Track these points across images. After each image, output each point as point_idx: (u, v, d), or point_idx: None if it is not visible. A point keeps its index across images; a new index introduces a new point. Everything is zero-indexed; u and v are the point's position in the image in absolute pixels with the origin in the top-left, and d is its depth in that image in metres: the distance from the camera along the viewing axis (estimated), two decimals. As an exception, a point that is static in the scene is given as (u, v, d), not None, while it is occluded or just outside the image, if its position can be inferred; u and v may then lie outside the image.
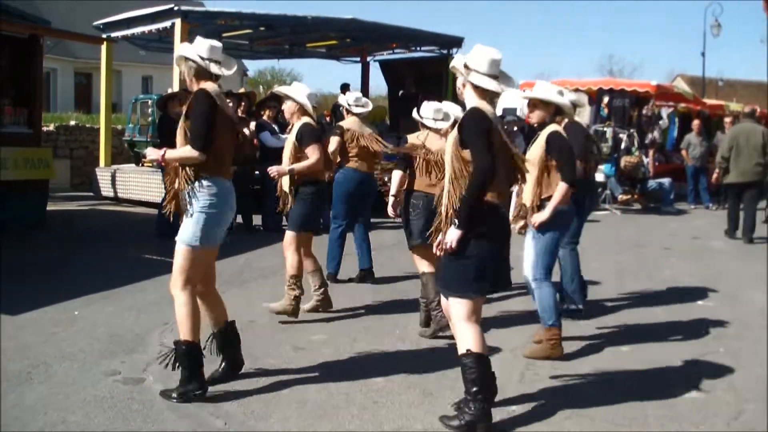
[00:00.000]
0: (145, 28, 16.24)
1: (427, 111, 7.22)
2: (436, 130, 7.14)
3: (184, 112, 5.47)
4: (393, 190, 7.43)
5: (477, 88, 4.96)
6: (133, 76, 42.87)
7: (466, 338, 4.84)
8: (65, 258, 10.42)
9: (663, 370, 6.14)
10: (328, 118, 15.24)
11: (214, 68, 5.45)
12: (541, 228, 6.38)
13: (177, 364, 5.30)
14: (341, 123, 9.26)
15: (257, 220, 12.99)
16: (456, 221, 4.76)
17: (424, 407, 5.21)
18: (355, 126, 9.09)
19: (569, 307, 7.62)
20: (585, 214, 7.92)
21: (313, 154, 7.39)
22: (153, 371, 5.79)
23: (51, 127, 19.80)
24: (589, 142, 8.00)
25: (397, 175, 7.35)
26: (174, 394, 5.22)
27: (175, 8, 15.04)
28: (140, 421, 4.86)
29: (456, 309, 4.93)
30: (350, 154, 9.01)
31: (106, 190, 17.09)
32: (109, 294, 8.24)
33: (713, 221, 16.39)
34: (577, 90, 19.64)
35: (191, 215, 5.36)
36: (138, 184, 16.05)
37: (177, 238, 5.44)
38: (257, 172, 12.50)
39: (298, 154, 7.46)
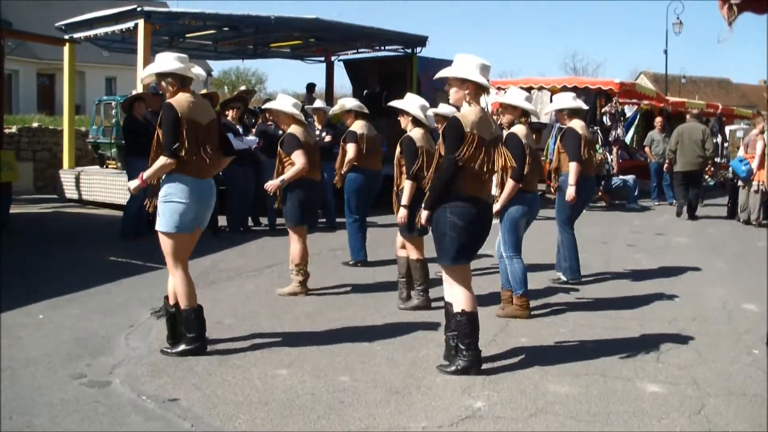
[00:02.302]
0: (108, 29, 16.06)
1: (414, 105, 8.14)
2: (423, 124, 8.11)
3: (158, 122, 6.18)
4: (405, 200, 7.83)
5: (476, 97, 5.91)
6: (96, 77, 42.67)
7: (460, 299, 5.86)
8: (29, 261, 10.33)
9: (625, 364, 6.20)
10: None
11: (192, 72, 6.33)
12: (498, 216, 7.52)
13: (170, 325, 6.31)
14: (354, 129, 10.09)
15: (222, 221, 12.95)
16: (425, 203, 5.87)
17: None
18: (365, 129, 10.12)
19: (561, 278, 9.36)
20: (582, 206, 9.47)
21: (298, 159, 8.27)
22: (119, 374, 5.77)
23: (13, 129, 19.60)
24: (584, 144, 9.12)
25: (409, 185, 7.84)
26: (174, 351, 6.21)
27: (138, 9, 14.93)
28: (107, 424, 4.84)
29: (452, 274, 5.91)
30: (363, 155, 9.98)
31: (71, 193, 16.98)
32: (74, 297, 8.20)
33: (676, 217, 16.60)
34: (541, 88, 19.85)
35: (161, 207, 6.16)
36: (102, 186, 15.96)
37: (156, 227, 6.23)
38: (220, 173, 12.45)
39: (285, 160, 8.39)
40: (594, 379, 5.83)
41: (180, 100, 6.16)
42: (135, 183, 6.24)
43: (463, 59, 5.90)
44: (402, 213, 7.81)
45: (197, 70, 6.54)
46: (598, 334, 7.17)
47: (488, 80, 5.90)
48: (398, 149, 8.06)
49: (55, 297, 8.12)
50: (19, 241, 12.06)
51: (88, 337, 6.75)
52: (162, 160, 6.04)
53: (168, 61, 6.29)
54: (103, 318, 7.38)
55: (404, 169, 7.89)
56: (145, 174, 6.14)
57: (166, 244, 6.19)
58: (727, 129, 25.66)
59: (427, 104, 8.41)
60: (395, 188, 8.05)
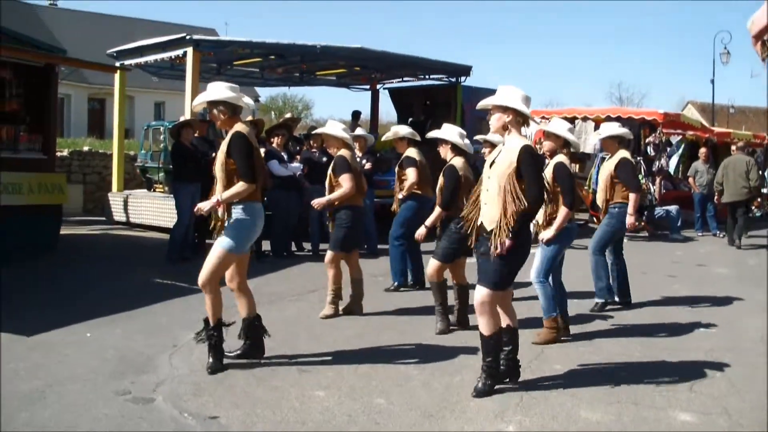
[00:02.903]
0: (158, 56, 16.41)
1: (453, 134, 8.45)
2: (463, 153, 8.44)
3: (225, 150, 6.54)
4: (430, 222, 8.35)
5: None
6: (145, 102, 43.38)
7: (489, 324, 6.06)
8: (77, 281, 10.61)
9: (658, 392, 6.26)
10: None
11: (239, 100, 6.64)
12: (547, 243, 7.76)
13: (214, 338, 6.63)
14: (411, 155, 10.26)
15: (266, 246, 13.15)
16: (511, 233, 5.88)
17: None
18: (420, 156, 10.28)
19: (615, 299, 9.70)
20: (618, 234, 9.63)
21: (345, 183, 8.58)
22: (162, 392, 5.96)
23: (65, 153, 20.05)
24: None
25: (438, 212, 8.25)
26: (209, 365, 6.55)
27: (188, 37, 15.25)
28: (149, 439, 5.03)
29: (491, 298, 6.05)
30: (422, 182, 10.22)
31: (119, 215, 17.33)
32: (119, 317, 8.42)
33: (719, 248, 16.56)
34: (585, 118, 19.91)
35: (232, 227, 6.55)
36: (150, 209, 16.29)
37: (216, 244, 6.59)
38: (265, 198, 12.66)
39: (334, 183, 8.70)
40: (626, 407, 5.89)
41: (244, 128, 6.57)
42: (208, 205, 6.58)
43: (506, 90, 6.16)
44: (421, 231, 8.41)
45: (247, 100, 6.81)
46: (631, 361, 7.22)
47: (529, 111, 6.11)
48: (441, 178, 8.23)
49: (101, 317, 8.35)
50: (67, 261, 12.38)
51: (132, 356, 6.95)
52: (242, 185, 6.43)
53: (220, 89, 6.63)
54: (147, 338, 7.59)
55: (441, 198, 8.12)
56: (224, 196, 6.48)
57: (220, 259, 6.52)
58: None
59: (464, 132, 8.60)
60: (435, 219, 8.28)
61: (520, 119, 6.09)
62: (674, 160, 21.19)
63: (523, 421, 5.53)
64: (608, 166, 9.48)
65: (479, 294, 6.05)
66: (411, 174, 10.11)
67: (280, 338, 7.67)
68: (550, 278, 7.91)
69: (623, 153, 9.41)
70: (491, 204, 6.01)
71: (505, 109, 6.06)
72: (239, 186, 6.44)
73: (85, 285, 10.35)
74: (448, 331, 8.15)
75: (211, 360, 6.57)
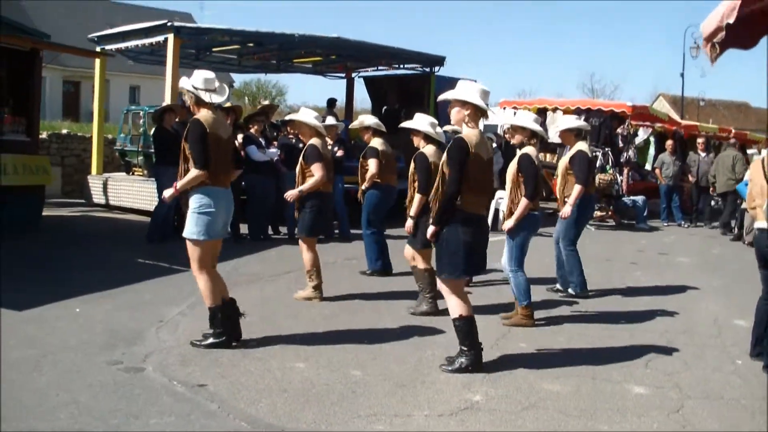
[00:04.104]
0: (139, 42, 16.64)
1: (425, 123, 8.74)
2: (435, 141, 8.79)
3: (183, 136, 6.83)
4: (413, 212, 8.58)
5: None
6: (120, 86, 43.41)
7: (457, 307, 6.41)
8: (62, 260, 10.95)
9: (615, 369, 6.73)
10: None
11: (206, 96, 6.84)
12: (510, 233, 8.15)
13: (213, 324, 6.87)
14: (374, 145, 10.61)
15: (243, 229, 13.54)
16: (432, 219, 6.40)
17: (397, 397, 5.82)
18: (385, 146, 10.62)
19: (568, 291, 9.89)
20: (582, 224, 10.00)
21: (317, 172, 8.83)
22: (151, 362, 6.35)
23: (44, 135, 20.21)
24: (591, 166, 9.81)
25: (419, 198, 8.50)
26: (202, 342, 6.81)
27: (169, 24, 15.53)
28: (142, 403, 5.41)
29: (444, 285, 6.47)
30: (382, 172, 10.52)
31: (98, 197, 17.59)
32: (105, 294, 8.78)
33: (683, 238, 17.13)
34: (555, 109, 20.39)
35: (192, 216, 6.75)
36: (129, 192, 16.57)
37: (183, 234, 6.82)
38: (243, 183, 12.99)
39: (306, 171, 8.91)
40: (584, 381, 6.36)
41: (205, 116, 6.81)
42: (169, 192, 6.89)
43: (465, 84, 6.59)
44: (409, 224, 8.54)
45: (216, 98, 6.94)
46: (592, 342, 7.69)
47: (487, 104, 6.49)
48: (412, 165, 8.63)
49: (88, 293, 8.69)
50: (50, 241, 12.70)
51: (120, 329, 7.32)
52: (194, 172, 6.65)
53: (193, 78, 6.92)
54: (134, 313, 7.96)
55: (417, 184, 8.46)
56: (179, 184, 6.76)
57: (193, 250, 6.80)
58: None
59: (436, 122, 9.00)
60: (407, 202, 8.61)
61: (479, 113, 6.47)
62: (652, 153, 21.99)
63: (489, 392, 5.98)
64: (565, 159, 9.91)
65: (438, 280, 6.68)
66: (372, 165, 10.48)
67: (260, 315, 8.08)
68: (523, 268, 8.27)
69: (580, 145, 9.75)
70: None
71: (464, 104, 6.45)
72: (191, 173, 6.67)
73: (70, 264, 10.68)
74: (432, 312, 8.43)
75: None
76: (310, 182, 8.87)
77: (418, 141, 8.85)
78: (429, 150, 8.64)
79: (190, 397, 5.61)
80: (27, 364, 6.12)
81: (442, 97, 6.75)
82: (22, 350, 6.47)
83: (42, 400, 5.36)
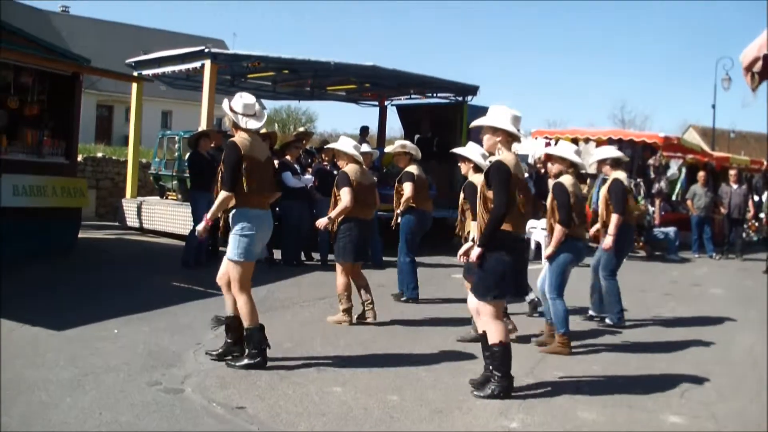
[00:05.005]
0: (175, 68, 16.90)
1: (476, 153, 8.71)
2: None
3: (221, 159, 7.02)
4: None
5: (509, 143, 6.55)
6: (153, 111, 43.69)
7: (497, 332, 6.41)
8: (99, 282, 11.10)
9: (651, 398, 6.73)
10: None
11: (242, 122, 7.04)
12: (549, 259, 8.31)
13: (248, 344, 7.02)
14: (410, 170, 10.73)
15: (277, 254, 13.64)
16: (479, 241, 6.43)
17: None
18: (420, 172, 10.74)
19: (605, 320, 9.90)
20: (623, 254, 10.03)
21: (344, 196, 9.04)
22: (190, 384, 6.43)
23: (79, 158, 20.47)
24: (627, 194, 9.82)
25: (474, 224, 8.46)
26: (238, 364, 6.93)
27: (206, 50, 15.74)
28: (183, 423, 5.49)
29: (485, 309, 6.47)
30: (419, 197, 10.62)
31: (132, 221, 17.79)
32: (143, 316, 8.88)
33: (715, 270, 17.05)
34: (587, 139, 20.40)
35: (234, 238, 6.93)
36: (163, 216, 16.75)
37: (225, 256, 7.05)
38: (277, 209, 13.11)
39: (337, 196, 9.15)
40: (620, 409, 6.37)
41: (241, 139, 6.97)
42: (202, 225, 7.14)
43: (497, 110, 6.63)
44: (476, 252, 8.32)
45: (252, 124, 7.09)
46: (627, 371, 7.69)
47: (519, 130, 6.56)
48: (462, 195, 8.66)
49: (126, 315, 8.80)
50: (87, 263, 12.88)
51: (159, 351, 7.41)
52: (221, 195, 6.88)
53: (233, 102, 7.09)
54: (172, 335, 8.05)
55: (469, 213, 8.41)
56: (209, 214, 7.01)
57: (235, 271, 6.96)
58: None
59: (486, 153, 9.04)
60: (462, 232, 8.65)
61: (510, 139, 6.54)
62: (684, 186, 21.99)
63: (525, 419, 5.99)
64: (604, 189, 9.94)
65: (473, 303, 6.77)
66: (407, 189, 10.59)
67: (296, 340, 8.16)
68: (562, 296, 8.30)
69: (616, 174, 9.81)
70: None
71: (495, 130, 6.53)
72: (219, 196, 6.90)
73: (107, 286, 10.82)
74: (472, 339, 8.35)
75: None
76: (338, 208, 9.06)
77: (466, 169, 8.84)
78: (478, 179, 8.66)
79: (229, 419, 5.68)
80: (70, 383, 6.23)
81: (474, 123, 6.84)
82: (66, 369, 6.58)
83: (87, 418, 5.45)
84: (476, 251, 6.44)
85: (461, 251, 8.37)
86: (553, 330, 8.36)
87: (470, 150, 8.87)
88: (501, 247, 6.38)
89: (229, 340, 7.27)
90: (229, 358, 7.11)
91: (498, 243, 6.36)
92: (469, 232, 8.35)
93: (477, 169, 8.68)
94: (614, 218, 9.52)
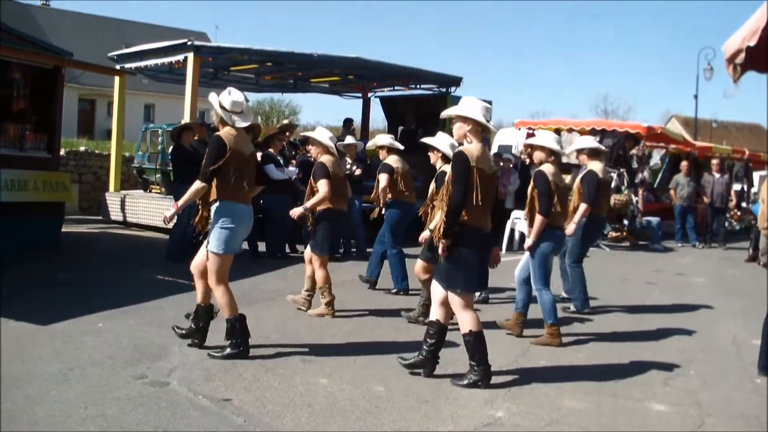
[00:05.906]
0: (158, 61, 16.83)
1: (445, 143, 8.77)
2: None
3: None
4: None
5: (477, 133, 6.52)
6: (135, 104, 43.51)
7: (468, 322, 6.43)
8: (84, 276, 11.05)
9: (635, 386, 6.79)
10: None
11: (229, 119, 7.07)
12: (530, 250, 8.27)
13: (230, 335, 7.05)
14: (388, 162, 10.64)
15: (261, 247, 13.62)
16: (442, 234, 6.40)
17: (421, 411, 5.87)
18: (400, 163, 10.63)
19: (570, 307, 10.04)
20: (588, 243, 10.23)
21: (321, 188, 8.99)
22: (176, 376, 6.41)
23: (62, 153, 20.37)
24: (600, 186, 9.94)
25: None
26: (220, 353, 7.00)
27: (189, 43, 15.67)
28: (169, 416, 5.47)
29: (454, 300, 6.47)
30: (399, 188, 10.54)
31: (115, 215, 17.72)
32: (128, 309, 8.85)
33: (698, 259, 17.15)
34: (570, 130, 20.46)
35: (215, 231, 6.98)
36: (147, 209, 16.68)
37: (206, 248, 7.05)
38: (261, 201, 13.08)
39: (314, 187, 9.09)
40: (605, 398, 6.41)
41: (227, 133, 7.00)
42: (170, 212, 7.27)
43: (468, 101, 6.65)
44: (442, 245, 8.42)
45: (240, 123, 7.12)
46: (612, 359, 7.75)
47: (489, 120, 6.57)
48: (433, 184, 8.68)
49: (111, 309, 8.76)
50: (70, 257, 12.83)
51: (144, 344, 7.39)
52: (195, 185, 6.94)
53: (222, 96, 7.12)
54: (157, 329, 8.02)
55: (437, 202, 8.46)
56: (180, 202, 7.13)
57: (214, 263, 7.01)
58: (756, 174, 26.18)
59: (456, 144, 9.05)
60: (427, 221, 8.65)
61: (479, 129, 6.55)
62: (666, 175, 22.02)
63: (511, 408, 6.03)
64: (578, 179, 10.03)
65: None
66: (382, 179, 10.53)
67: (282, 332, 8.16)
68: (548, 286, 8.32)
69: (592, 165, 9.94)
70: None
71: (465, 119, 6.55)
72: (194, 185, 6.94)
73: (91, 280, 10.79)
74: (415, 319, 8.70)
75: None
76: (314, 199, 9.04)
77: (435, 159, 8.91)
78: (448, 169, 8.69)
79: (216, 411, 5.67)
80: (56, 377, 6.20)
81: (444, 113, 6.89)
82: (51, 363, 6.56)
83: (72, 412, 5.43)
84: (441, 245, 6.43)
85: (421, 237, 8.48)
86: (521, 318, 8.45)
87: (439, 140, 8.93)
88: (470, 240, 6.40)
89: (192, 326, 7.46)
90: (192, 342, 7.35)
91: (465, 239, 6.39)
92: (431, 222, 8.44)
93: (446, 159, 8.68)
94: (582, 207, 9.67)
